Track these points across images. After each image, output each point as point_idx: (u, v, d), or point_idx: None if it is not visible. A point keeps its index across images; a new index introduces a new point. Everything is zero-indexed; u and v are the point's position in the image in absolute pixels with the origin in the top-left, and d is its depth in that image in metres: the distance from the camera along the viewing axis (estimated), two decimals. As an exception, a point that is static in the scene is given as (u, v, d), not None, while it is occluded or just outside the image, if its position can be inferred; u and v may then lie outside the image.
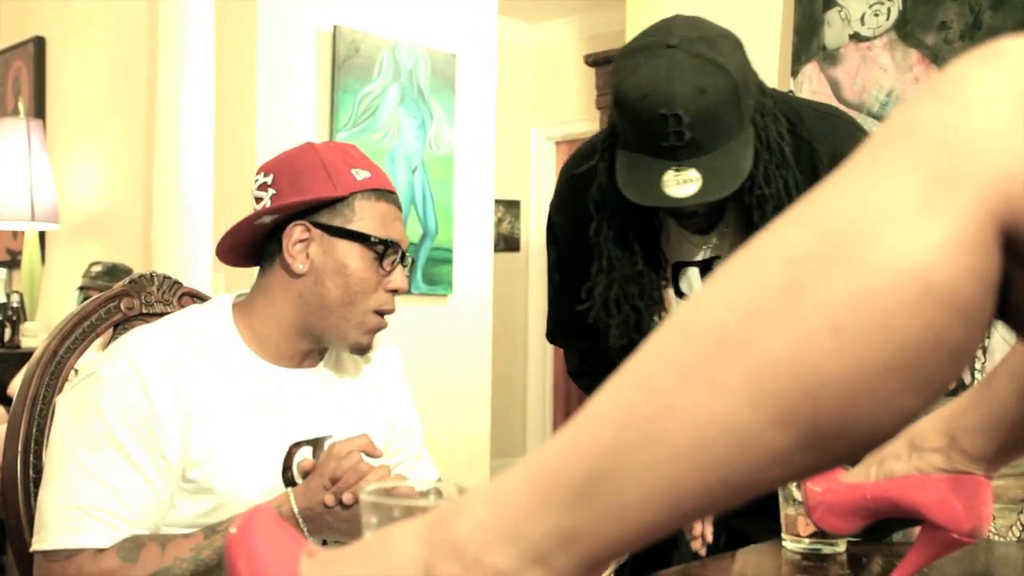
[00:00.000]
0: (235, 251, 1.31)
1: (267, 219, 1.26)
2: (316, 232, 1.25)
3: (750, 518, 1.43)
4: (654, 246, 1.42)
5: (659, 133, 1.21)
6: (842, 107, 2.35)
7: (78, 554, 1.13)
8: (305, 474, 1.21)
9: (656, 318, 1.40)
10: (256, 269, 1.33)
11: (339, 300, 1.25)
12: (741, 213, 1.36)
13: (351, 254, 1.25)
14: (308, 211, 1.25)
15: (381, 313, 1.28)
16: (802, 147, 1.34)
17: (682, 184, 1.21)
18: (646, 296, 1.38)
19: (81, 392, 1.19)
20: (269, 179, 1.27)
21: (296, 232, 1.24)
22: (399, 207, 1.31)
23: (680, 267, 1.44)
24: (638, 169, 1.25)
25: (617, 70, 1.28)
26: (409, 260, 1.33)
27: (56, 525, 1.14)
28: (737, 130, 1.24)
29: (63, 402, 1.22)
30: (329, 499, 1.16)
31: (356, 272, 1.25)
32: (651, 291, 1.39)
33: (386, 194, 1.29)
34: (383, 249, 1.26)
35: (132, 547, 1.13)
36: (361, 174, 1.27)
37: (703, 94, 1.20)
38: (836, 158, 1.28)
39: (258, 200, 1.27)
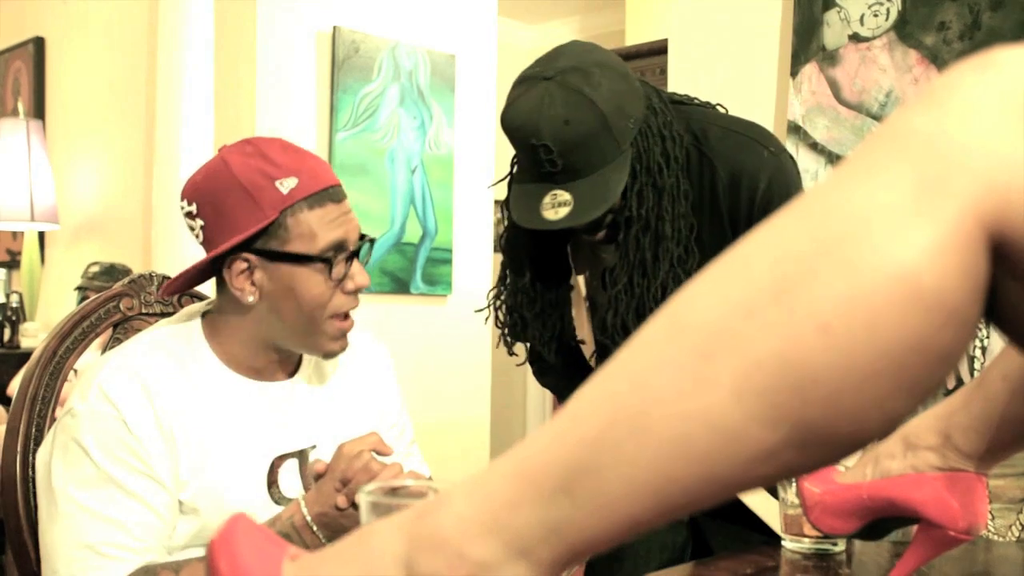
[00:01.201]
0: (181, 289, 1.28)
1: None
2: (256, 259, 1.19)
3: (721, 521, 1.44)
4: (551, 260, 1.49)
5: (535, 161, 1.30)
6: (842, 107, 2.36)
7: None
8: (317, 477, 1.19)
9: (550, 325, 1.50)
10: None
11: (297, 321, 1.21)
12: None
13: (296, 276, 1.19)
14: (243, 242, 1.18)
15: (345, 315, 1.24)
16: (704, 164, 1.39)
17: (556, 208, 1.29)
18: (530, 306, 1.48)
19: (61, 432, 1.17)
20: (194, 208, 1.21)
21: (236, 265, 1.19)
22: (340, 199, 1.22)
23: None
24: (524, 193, 1.33)
25: (506, 99, 1.36)
26: (367, 247, 1.27)
27: (68, 568, 1.12)
28: (613, 155, 1.30)
29: (44, 446, 1.20)
30: (342, 501, 1.13)
31: (307, 291, 1.20)
32: (535, 302, 1.48)
33: (320, 196, 1.19)
34: (329, 261, 1.19)
35: (145, 575, 1.12)
36: (287, 184, 1.17)
37: (567, 125, 1.27)
38: (734, 175, 1.36)
39: (191, 228, 1.23)
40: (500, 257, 1.55)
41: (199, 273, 1.24)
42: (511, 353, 1.55)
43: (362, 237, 1.25)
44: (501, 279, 1.52)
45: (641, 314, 1.36)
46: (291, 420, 1.27)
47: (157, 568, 1.13)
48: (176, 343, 1.23)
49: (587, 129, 1.28)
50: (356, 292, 1.24)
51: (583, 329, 1.55)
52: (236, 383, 1.24)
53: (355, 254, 1.24)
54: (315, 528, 1.15)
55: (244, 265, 1.19)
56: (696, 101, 1.50)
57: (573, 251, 1.54)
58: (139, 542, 1.13)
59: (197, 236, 1.22)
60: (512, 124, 1.31)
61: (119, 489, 1.13)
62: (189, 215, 1.22)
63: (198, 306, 1.31)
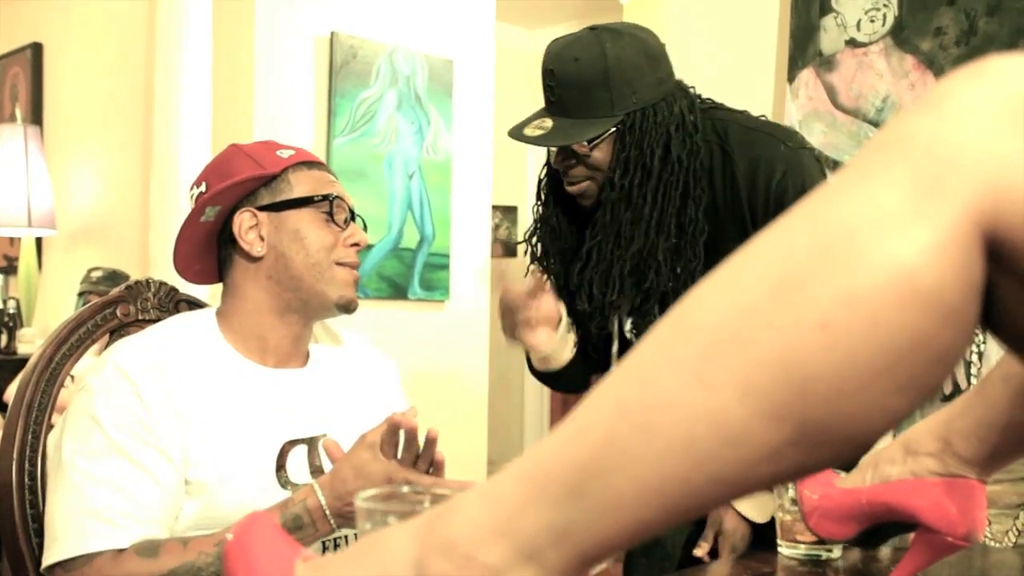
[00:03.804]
0: (191, 262, 1.33)
1: (211, 215, 1.28)
2: (262, 214, 1.28)
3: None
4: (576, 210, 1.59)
5: (544, 86, 1.49)
6: (839, 112, 2.36)
7: (97, 557, 1.12)
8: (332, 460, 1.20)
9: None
10: None
11: (304, 265, 1.28)
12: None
13: (301, 220, 1.29)
14: (247, 200, 1.28)
15: (349, 264, 1.31)
16: (727, 162, 1.46)
17: (535, 129, 1.47)
18: (554, 241, 1.60)
19: (74, 407, 1.19)
20: (203, 187, 1.30)
21: (244, 219, 1.28)
22: (332, 173, 1.36)
23: None
24: (529, 116, 1.52)
25: None
26: (360, 219, 1.36)
27: (69, 534, 1.13)
28: (602, 111, 1.43)
29: (56, 427, 1.22)
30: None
31: (312, 234, 1.29)
32: (559, 238, 1.60)
33: (316, 164, 1.34)
34: (329, 206, 1.30)
35: (151, 546, 1.13)
36: (286, 152, 1.32)
37: (575, 63, 1.44)
38: (752, 166, 1.44)
39: (203, 213, 1.30)
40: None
41: (203, 240, 1.32)
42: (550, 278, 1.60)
43: (353, 216, 1.35)
44: (534, 213, 1.66)
45: (606, 280, 1.45)
46: (302, 407, 1.30)
47: (163, 540, 1.14)
48: (191, 330, 1.28)
49: (588, 74, 1.43)
50: (357, 247, 1.32)
51: None
52: (249, 368, 1.28)
53: (352, 217, 1.34)
54: (328, 513, 1.15)
55: (252, 220, 1.28)
56: (728, 108, 1.56)
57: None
58: (143, 513, 1.15)
59: (207, 216, 1.29)
60: (546, 49, 1.51)
61: (128, 460, 1.15)
62: (198, 197, 1.29)
63: (210, 308, 1.35)
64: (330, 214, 1.30)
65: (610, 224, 1.45)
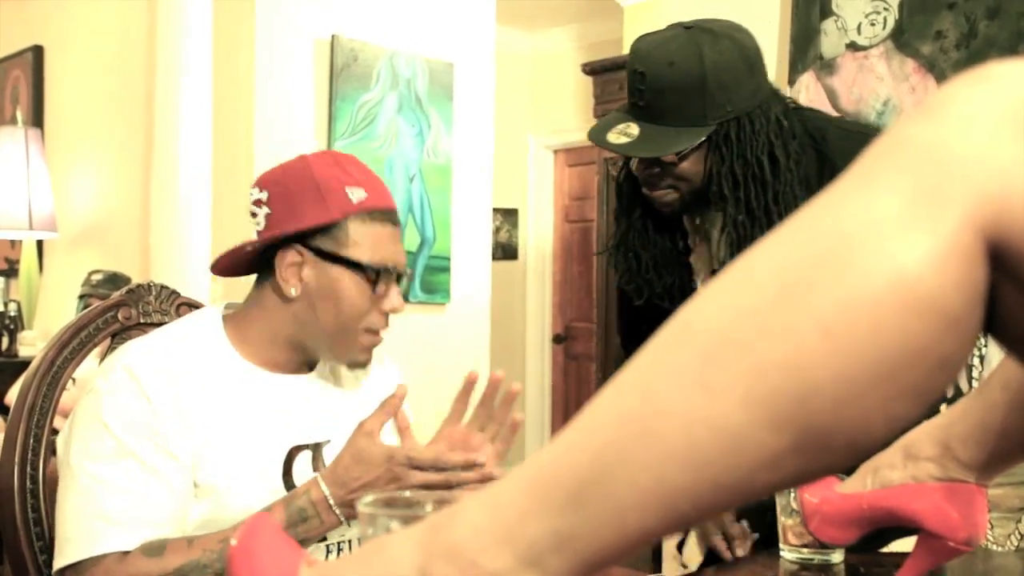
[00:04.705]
0: (230, 270, 1.31)
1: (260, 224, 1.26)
2: (309, 255, 1.23)
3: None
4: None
5: (631, 88, 1.38)
6: (838, 116, 2.36)
7: (103, 559, 1.13)
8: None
9: (668, 272, 1.51)
10: (251, 278, 1.33)
11: (331, 324, 1.25)
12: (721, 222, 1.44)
13: (343, 279, 1.23)
14: (302, 233, 1.23)
15: (375, 331, 1.28)
16: (825, 166, 1.39)
17: (620, 135, 1.37)
18: (645, 247, 1.51)
19: (83, 409, 1.19)
20: (264, 196, 1.25)
21: (289, 255, 1.23)
22: (397, 224, 1.28)
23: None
24: (609, 117, 1.42)
25: None
26: (406, 277, 1.31)
27: (79, 537, 1.14)
28: (695, 120, 1.35)
29: (64, 428, 1.22)
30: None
31: (349, 298, 1.24)
32: (649, 244, 1.52)
33: (383, 214, 1.25)
34: (376, 275, 1.24)
35: (157, 545, 1.13)
36: (357, 194, 1.23)
37: (670, 66, 1.34)
38: None
39: (253, 215, 1.26)
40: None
41: (248, 259, 1.28)
42: (635, 300, 1.53)
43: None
44: (616, 222, 1.56)
45: None
46: (307, 414, 1.30)
47: (169, 540, 1.14)
48: (198, 334, 1.27)
49: (684, 79, 1.33)
50: (389, 314, 1.28)
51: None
52: (255, 374, 1.27)
53: (398, 280, 1.29)
54: (332, 503, 1.15)
55: (298, 258, 1.24)
56: (810, 109, 1.52)
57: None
58: (152, 515, 1.15)
59: (258, 224, 1.26)
60: (633, 48, 1.40)
61: (137, 462, 1.15)
62: (257, 203, 1.26)
63: (216, 307, 1.34)
64: (375, 282, 1.24)
65: (740, 243, 1.37)
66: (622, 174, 1.52)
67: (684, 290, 1.50)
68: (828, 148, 1.40)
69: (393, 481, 1.14)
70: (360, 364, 1.30)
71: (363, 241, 1.23)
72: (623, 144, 1.37)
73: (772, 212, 1.36)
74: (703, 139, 1.36)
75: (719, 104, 1.34)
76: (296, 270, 1.24)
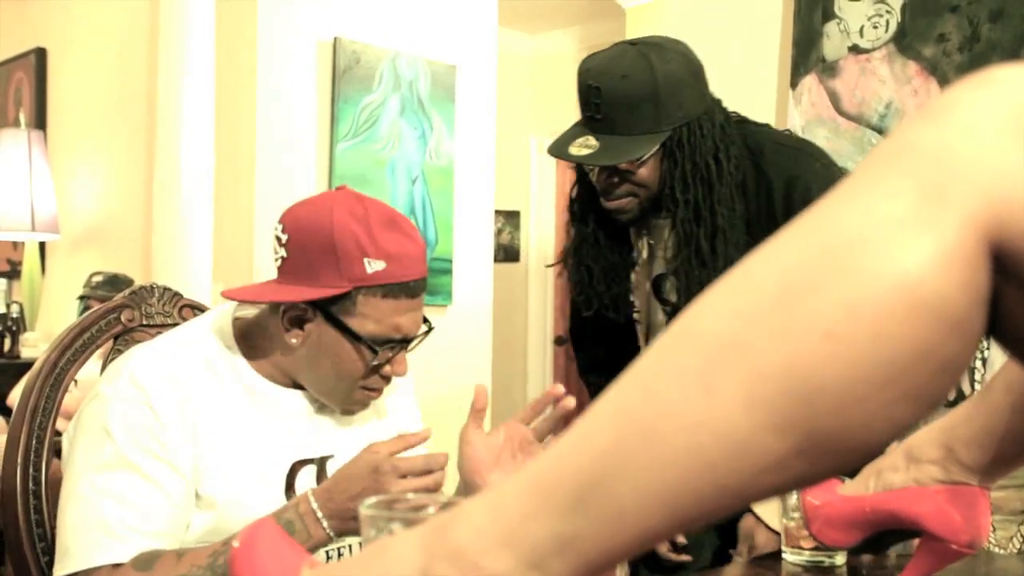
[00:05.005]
0: (241, 299, 1.29)
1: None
2: (313, 313, 1.21)
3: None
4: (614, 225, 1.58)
5: (586, 103, 1.45)
6: (841, 119, 2.36)
7: (96, 572, 1.12)
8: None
9: (616, 283, 1.60)
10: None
11: (328, 378, 1.24)
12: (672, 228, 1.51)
13: (342, 346, 1.21)
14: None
15: (373, 389, 1.27)
16: (761, 178, 1.47)
17: (581, 148, 1.44)
18: (596, 260, 1.59)
19: (87, 415, 1.19)
20: (285, 237, 1.22)
21: (294, 310, 1.22)
22: (416, 295, 1.23)
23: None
24: (566, 133, 1.48)
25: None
26: (417, 342, 1.28)
27: (78, 547, 1.13)
28: (651, 127, 1.42)
29: (68, 431, 1.22)
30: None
31: (347, 362, 1.22)
32: (600, 257, 1.59)
33: (399, 288, 1.20)
34: (374, 351, 1.22)
35: (148, 558, 1.13)
36: (374, 265, 1.18)
37: (623, 79, 1.41)
38: (788, 184, 1.45)
39: (275, 250, 1.24)
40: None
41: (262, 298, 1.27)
42: (581, 311, 1.62)
43: (423, 324, 1.29)
44: (567, 232, 1.64)
45: (690, 296, 1.42)
46: (313, 428, 1.29)
47: (161, 551, 1.13)
48: (208, 340, 1.26)
49: (637, 90, 1.41)
50: (391, 377, 1.27)
51: (639, 298, 1.62)
52: (263, 386, 1.26)
53: (406, 344, 1.26)
54: (320, 515, 1.13)
55: (303, 311, 1.21)
56: (753, 121, 1.58)
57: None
58: (152, 526, 1.14)
59: (276, 260, 1.24)
60: (584, 66, 1.47)
61: (138, 473, 1.14)
62: (278, 240, 1.23)
63: (227, 307, 1.32)
64: (376, 354, 1.22)
65: (686, 242, 1.45)
66: (575, 190, 1.60)
67: (622, 303, 1.59)
68: (764, 161, 1.48)
69: (380, 492, 1.11)
70: (353, 414, 1.30)
71: (369, 314, 1.20)
72: (585, 155, 1.43)
73: (716, 213, 1.43)
74: (659, 145, 1.43)
75: (671, 111, 1.42)
76: (300, 321, 1.22)
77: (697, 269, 1.44)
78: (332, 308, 1.20)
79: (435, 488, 1.14)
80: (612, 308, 1.58)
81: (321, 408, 1.31)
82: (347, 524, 1.13)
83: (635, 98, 1.41)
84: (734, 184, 1.45)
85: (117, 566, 1.12)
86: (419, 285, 1.23)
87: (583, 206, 1.59)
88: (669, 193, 1.45)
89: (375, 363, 1.23)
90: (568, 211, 1.63)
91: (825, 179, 1.43)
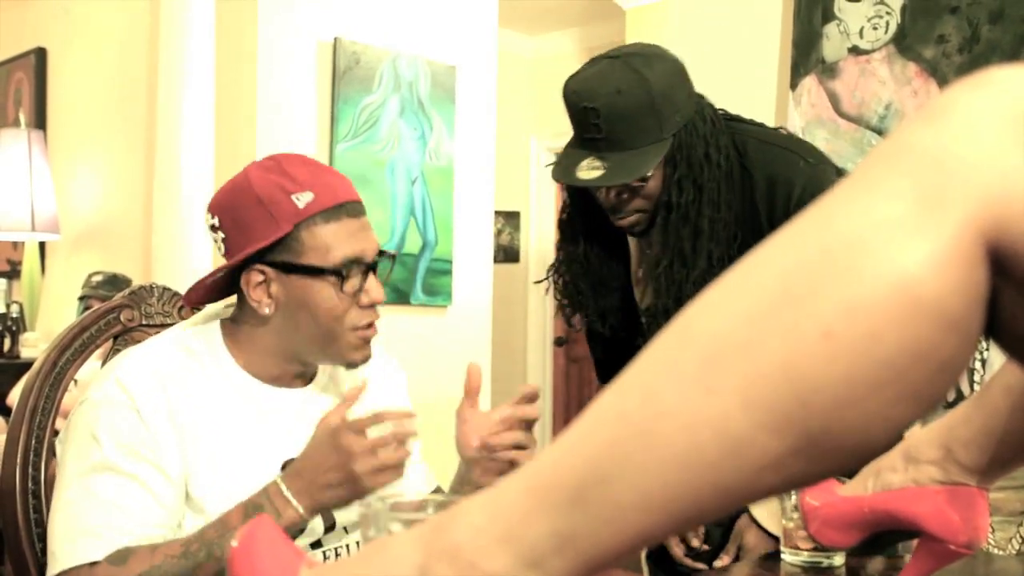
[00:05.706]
0: (206, 299, 1.30)
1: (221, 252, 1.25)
2: (271, 271, 1.21)
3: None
4: (606, 238, 1.58)
5: (583, 125, 1.42)
6: (841, 120, 2.36)
7: (76, 571, 1.12)
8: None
9: (604, 298, 1.59)
10: None
11: (314, 332, 1.23)
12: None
13: (309, 288, 1.21)
14: (259, 252, 1.20)
15: (363, 327, 1.26)
16: (744, 175, 1.46)
17: (589, 170, 1.41)
18: (585, 277, 1.59)
19: (75, 420, 1.19)
20: (216, 221, 1.24)
21: (253, 276, 1.21)
22: (355, 215, 1.23)
23: None
24: (566, 156, 1.45)
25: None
26: (387, 263, 1.28)
27: (65, 550, 1.14)
28: (654, 136, 1.41)
29: (60, 435, 1.22)
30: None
31: (322, 303, 1.21)
32: (588, 273, 1.59)
33: (335, 210, 1.21)
34: (342, 275, 1.21)
35: (123, 554, 1.13)
36: (303, 198, 1.19)
37: (619, 95, 1.39)
38: (770, 182, 1.44)
39: (215, 240, 1.25)
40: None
41: (219, 284, 1.26)
42: (570, 325, 1.65)
43: (381, 253, 1.27)
44: (557, 251, 1.62)
45: (680, 301, 1.42)
46: (303, 427, 1.27)
47: (136, 547, 1.13)
48: (196, 343, 1.26)
49: (636, 103, 1.39)
50: (372, 306, 1.26)
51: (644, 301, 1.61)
52: (252, 386, 1.26)
53: (372, 269, 1.25)
54: (287, 492, 1.13)
55: (260, 277, 1.21)
56: (746, 120, 1.57)
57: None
58: (140, 528, 1.14)
59: (220, 248, 1.25)
60: (571, 88, 1.44)
61: (126, 478, 1.15)
62: (213, 227, 1.25)
63: (216, 307, 1.32)
64: (342, 281, 1.21)
65: (675, 247, 1.44)
66: (565, 213, 1.58)
67: (610, 316, 1.59)
68: (748, 160, 1.47)
69: (344, 455, 1.11)
70: (357, 363, 1.28)
71: (319, 244, 1.20)
72: (598, 177, 1.40)
73: (700, 202, 1.43)
74: (667, 151, 1.41)
75: (670, 116, 1.41)
76: (264, 288, 1.22)
77: (679, 270, 1.43)
78: (284, 257, 1.20)
79: (402, 438, 1.14)
80: (600, 321, 1.58)
81: (313, 408, 1.30)
82: (318, 501, 1.13)
83: (634, 111, 1.39)
84: (722, 177, 1.43)
85: (94, 564, 1.12)
86: (356, 207, 1.24)
87: (575, 228, 1.58)
88: (666, 199, 1.44)
89: (347, 291, 1.21)
90: (558, 229, 1.61)
91: (811, 177, 1.42)
